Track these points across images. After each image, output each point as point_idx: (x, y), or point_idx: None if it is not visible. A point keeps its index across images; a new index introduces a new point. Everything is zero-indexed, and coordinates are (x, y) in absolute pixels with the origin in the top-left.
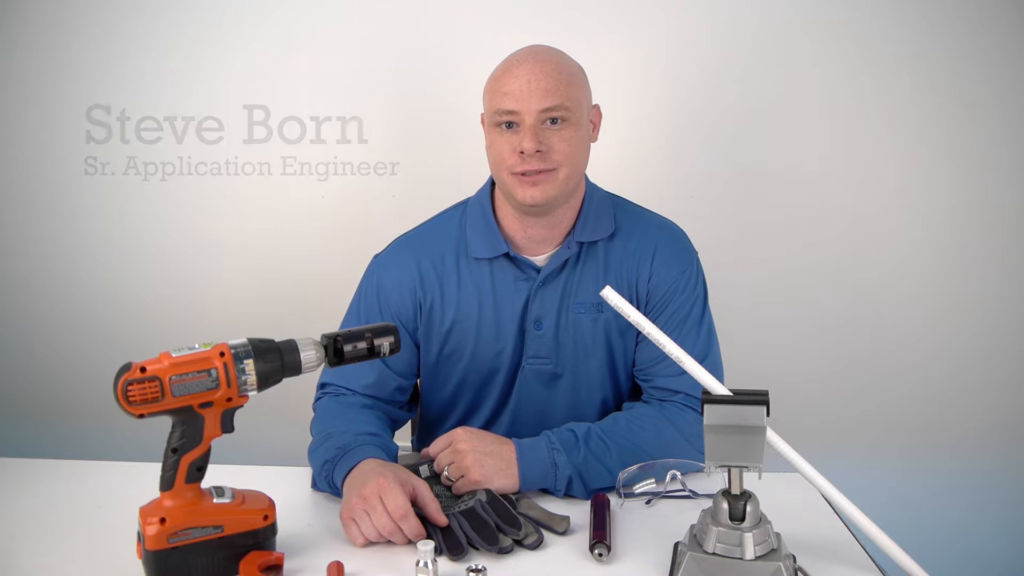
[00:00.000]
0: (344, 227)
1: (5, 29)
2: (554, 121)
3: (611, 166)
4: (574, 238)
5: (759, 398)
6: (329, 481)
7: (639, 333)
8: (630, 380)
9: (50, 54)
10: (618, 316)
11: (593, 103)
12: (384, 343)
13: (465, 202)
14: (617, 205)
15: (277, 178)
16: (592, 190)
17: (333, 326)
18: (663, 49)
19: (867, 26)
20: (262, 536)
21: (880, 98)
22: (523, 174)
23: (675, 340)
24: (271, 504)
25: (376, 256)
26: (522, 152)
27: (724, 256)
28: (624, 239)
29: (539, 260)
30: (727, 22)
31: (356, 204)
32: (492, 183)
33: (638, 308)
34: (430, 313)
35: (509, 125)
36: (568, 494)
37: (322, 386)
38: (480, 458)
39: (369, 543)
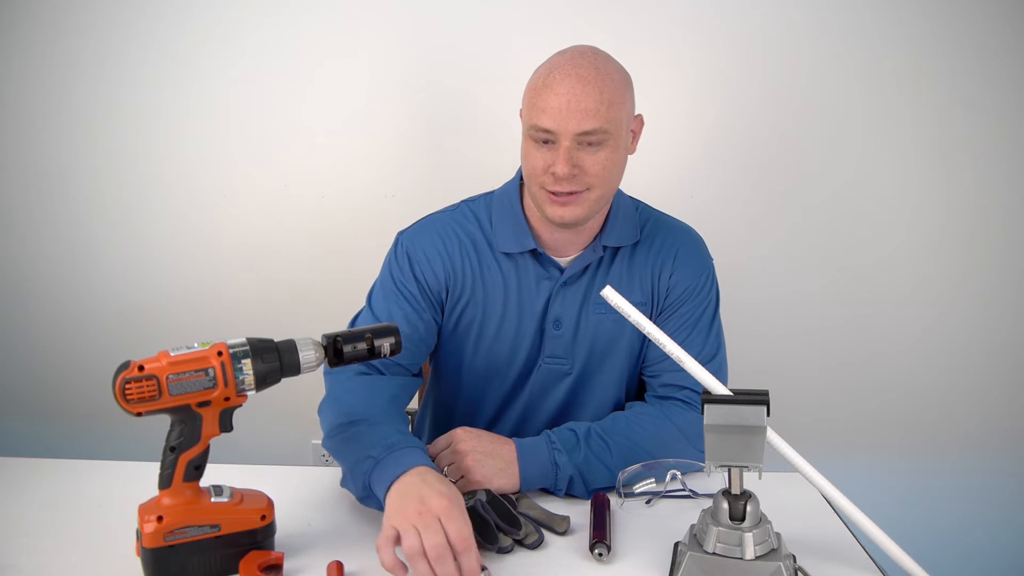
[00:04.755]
0: (344, 227)
1: (4, 29)
2: (590, 143)
3: None
4: (600, 242)
5: (759, 398)
6: (365, 480)
7: None
8: (638, 380)
9: (49, 54)
10: None
11: (636, 112)
12: (384, 344)
13: (489, 195)
14: (641, 211)
15: (277, 178)
16: (619, 196)
17: (334, 325)
18: (665, 50)
19: (867, 29)
20: (260, 536)
21: (881, 99)
22: (553, 193)
23: (685, 342)
24: (269, 504)
25: (402, 232)
26: (555, 173)
27: (723, 256)
28: (648, 244)
29: (563, 261)
30: (729, 25)
31: (356, 204)
32: (521, 177)
33: (656, 305)
34: (459, 296)
35: (545, 141)
36: (569, 494)
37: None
38: (480, 459)
39: (402, 569)
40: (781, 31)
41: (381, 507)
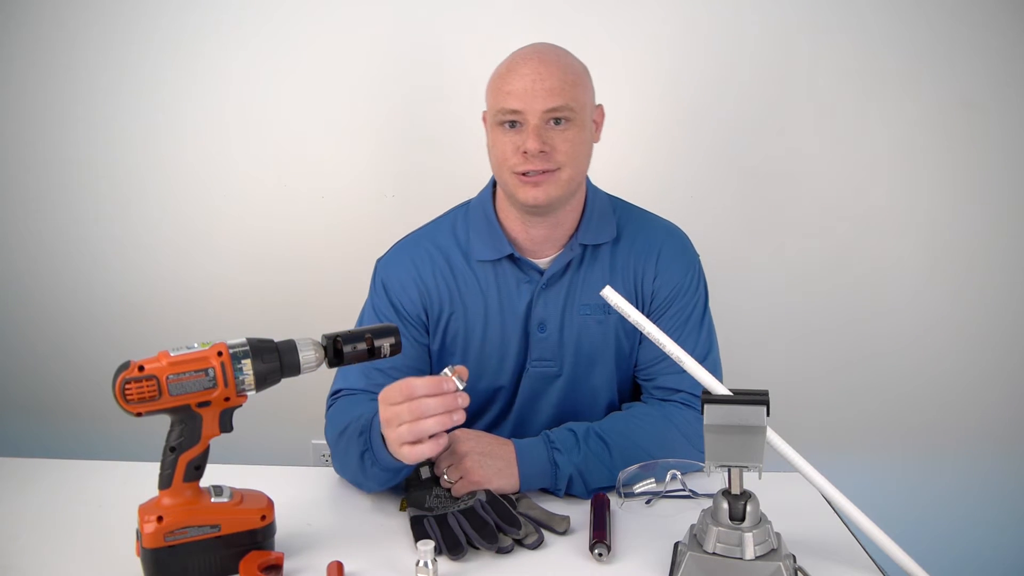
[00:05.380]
0: (344, 227)
1: (5, 30)
2: (557, 121)
3: (610, 164)
4: (577, 240)
5: (759, 398)
6: (377, 466)
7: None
8: (633, 381)
9: (50, 54)
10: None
11: (596, 103)
12: (384, 344)
13: (466, 204)
14: (619, 208)
15: (277, 178)
16: (594, 193)
17: (333, 326)
18: (664, 49)
19: (867, 27)
20: (260, 536)
21: (881, 99)
22: (524, 174)
23: (677, 341)
24: (269, 504)
25: (379, 259)
26: (525, 152)
27: (724, 256)
28: (629, 241)
29: (542, 263)
30: (728, 24)
31: (356, 204)
32: (494, 184)
33: (641, 308)
34: (438, 315)
35: (512, 124)
36: (569, 493)
37: (335, 392)
38: (480, 459)
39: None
40: (781, 30)
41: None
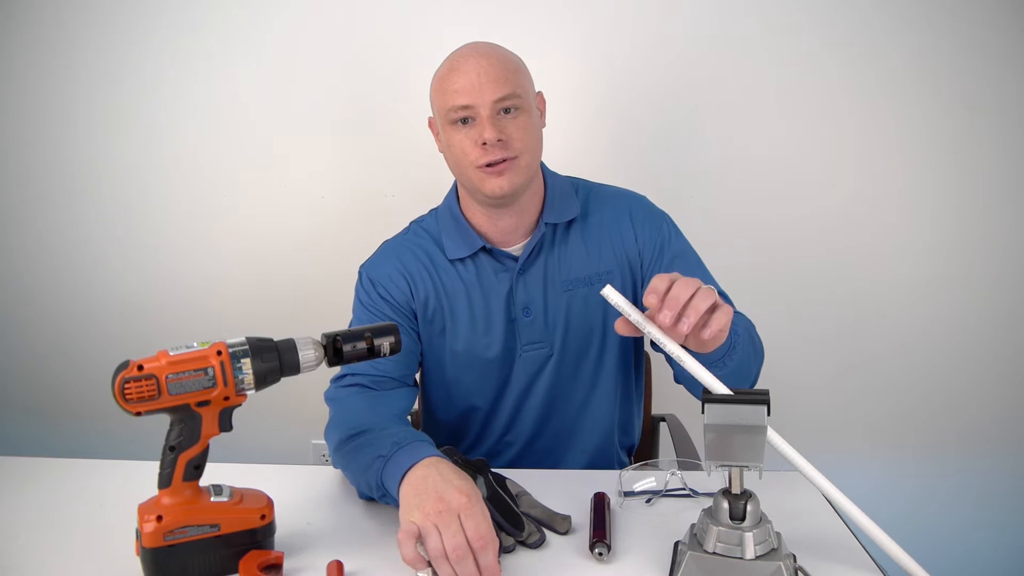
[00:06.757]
0: (344, 226)
1: (5, 30)
2: (507, 111)
3: (611, 168)
4: (543, 221)
5: (760, 397)
6: (377, 479)
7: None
8: (635, 358)
9: (51, 55)
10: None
11: (537, 90)
12: (384, 343)
13: (434, 211)
14: (579, 186)
15: (277, 177)
16: (552, 176)
17: (333, 325)
18: (658, 46)
19: (867, 25)
20: (259, 535)
21: (882, 100)
22: (488, 165)
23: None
24: (269, 503)
25: (362, 265)
26: (484, 144)
27: (726, 258)
28: (599, 215)
29: (515, 250)
30: (726, 24)
31: (356, 204)
32: (455, 188)
33: (637, 270)
34: (424, 304)
35: (464, 121)
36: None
37: (341, 376)
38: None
39: (426, 566)
40: (781, 30)
41: (397, 504)
